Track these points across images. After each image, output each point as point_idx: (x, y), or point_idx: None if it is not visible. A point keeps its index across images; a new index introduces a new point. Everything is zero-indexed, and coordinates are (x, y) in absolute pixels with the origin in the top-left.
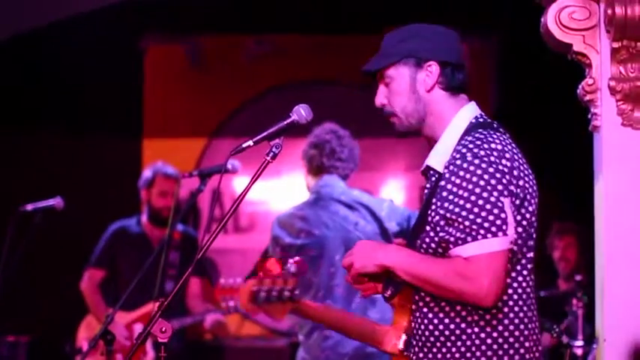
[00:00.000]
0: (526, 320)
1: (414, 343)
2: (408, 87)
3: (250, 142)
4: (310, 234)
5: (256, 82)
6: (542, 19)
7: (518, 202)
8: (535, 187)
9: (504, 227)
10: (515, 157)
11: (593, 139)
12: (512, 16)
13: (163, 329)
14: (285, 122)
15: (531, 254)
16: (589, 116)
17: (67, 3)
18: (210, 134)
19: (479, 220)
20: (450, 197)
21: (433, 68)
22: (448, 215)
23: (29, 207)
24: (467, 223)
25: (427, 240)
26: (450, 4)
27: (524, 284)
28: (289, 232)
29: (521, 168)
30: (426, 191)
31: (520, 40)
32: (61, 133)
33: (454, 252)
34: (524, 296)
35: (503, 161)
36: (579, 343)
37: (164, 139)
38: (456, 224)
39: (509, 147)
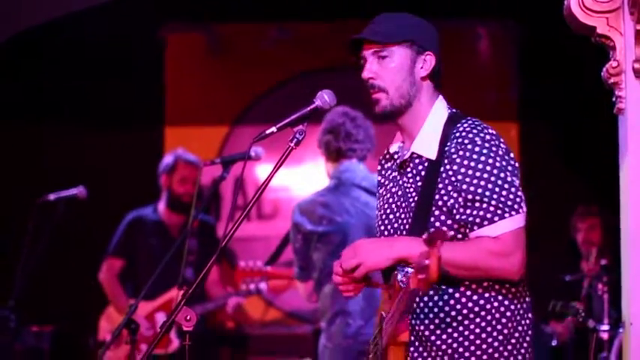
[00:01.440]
0: (527, 288)
1: (425, 324)
2: (407, 68)
3: (273, 129)
4: (332, 221)
5: (278, 69)
6: (566, 2)
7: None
8: None
9: (522, 204)
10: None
11: (618, 121)
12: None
13: (188, 317)
14: (309, 108)
15: None
16: (613, 99)
17: None
18: (233, 122)
19: (502, 199)
20: (468, 179)
21: (429, 59)
22: (470, 197)
23: (52, 196)
24: (493, 202)
25: (437, 224)
26: None
27: None
28: (310, 219)
29: (511, 150)
30: (411, 179)
31: (543, 23)
32: (83, 123)
33: (481, 232)
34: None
35: (502, 145)
36: (605, 327)
37: (186, 127)
38: (478, 204)
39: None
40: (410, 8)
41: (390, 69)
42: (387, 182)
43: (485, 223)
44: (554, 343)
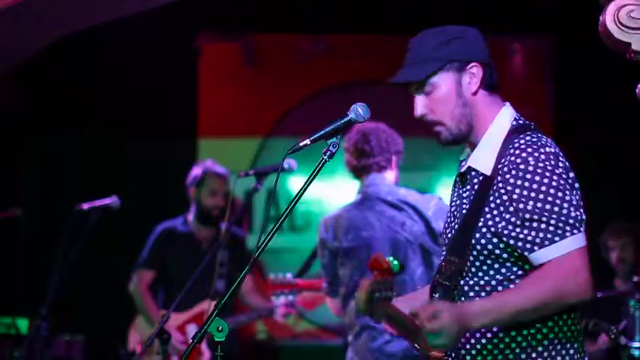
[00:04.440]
0: (577, 319)
1: (461, 344)
2: (454, 92)
3: (307, 141)
4: (357, 236)
5: (312, 80)
6: (601, 18)
7: (577, 199)
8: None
9: (583, 223)
10: (565, 159)
11: None
12: (568, 15)
13: (220, 328)
14: (343, 121)
15: None
16: None
17: (123, 3)
18: (266, 133)
19: (563, 218)
20: (524, 199)
21: (475, 70)
22: (528, 216)
23: (86, 206)
24: (552, 221)
25: (483, 241)
26: (503, 4)
27: None
28: (336, 235)
29: (571, 168)
30: (465, 194)
31: (577, 39)
32: (118, 133)
33: (542, 252)
34: None
35: (560, 164)
36: (637, 344)
37: (220, 138)
38: (536, 224)
39: (558, 149)
40: (439, 22)
41: (438, 100)
42: (455, 189)
43: (547, 243)
44: None
